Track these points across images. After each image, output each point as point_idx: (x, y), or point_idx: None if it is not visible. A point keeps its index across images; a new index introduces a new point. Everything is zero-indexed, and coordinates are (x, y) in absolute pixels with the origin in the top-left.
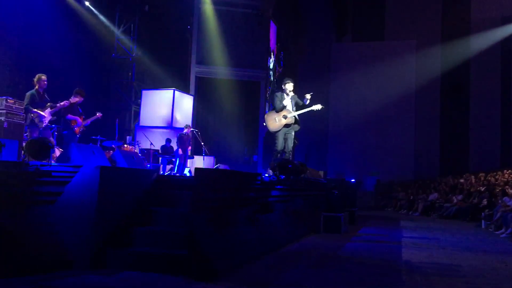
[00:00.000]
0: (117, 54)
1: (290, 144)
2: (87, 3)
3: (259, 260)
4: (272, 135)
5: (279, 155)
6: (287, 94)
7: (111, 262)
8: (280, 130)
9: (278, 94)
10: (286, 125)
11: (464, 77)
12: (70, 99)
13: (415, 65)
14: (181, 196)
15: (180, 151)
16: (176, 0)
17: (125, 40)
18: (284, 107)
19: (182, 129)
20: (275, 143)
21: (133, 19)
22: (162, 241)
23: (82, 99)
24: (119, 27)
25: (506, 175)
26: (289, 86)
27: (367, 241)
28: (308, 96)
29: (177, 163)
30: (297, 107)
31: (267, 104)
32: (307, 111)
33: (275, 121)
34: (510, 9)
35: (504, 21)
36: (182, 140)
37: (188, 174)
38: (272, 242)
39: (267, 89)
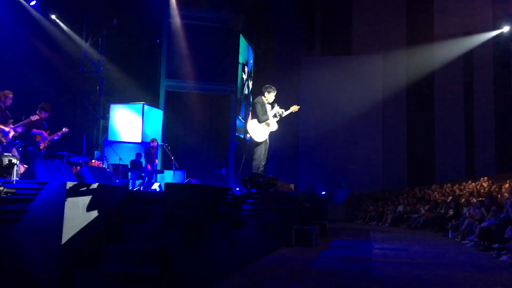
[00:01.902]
0: (85, 68)
1: (265, 155)
2: (53, 16)
3: (232, 275)
4: (252, 147)
5: (259, 168)
6: (269, 103)
7: (79, 283)
8: (264, 141)
9: (260, 101)
10: (267, 139)
11: (429, 89)
12: (37, 113)
13: (382, 78)
14: (152, 212)
15: (149, 167)
16: (145, 14)
17: (92, 54)
18: (267, 119)
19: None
20: (256, 154)
21: (101, 33)
22: (132, 259)
23: (47, 114)
24: (86, 40)
25: (471, 185)
26: (271, 96)
27: (339, 254)
28: (295, 108)
29: (149, 178)
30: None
31: (238, 118)
32: (287, 115)
33: (260, 131)
34: (471, 24)
35: (465, 35)
36: (150, 155)
37: (158, 189)
38: (245, 257)
39: (239, 103)
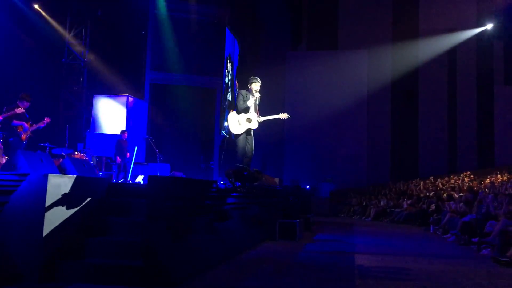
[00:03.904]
0: (68, 59)
1: (251, 148)
2: (36, 6)
3: (217, 268)
4: (233, 139)
5: (246, 159)
6: (252, 95)
7: (62, 275)
8: (241, 134)
9: (243, 92)
10: (248, 130)
11: (413, 85)
12: (19, 104)
13: (367, 73)
14: (135, 205)
15: (118, 159)
16: (130, 5)
17: (76, 44)
18: (247, 108)
19: (136, 136)
20: (236, 146)
21: (85, 24)
22: (116, 251)
23: (28, 104)
24: (70, 31)
25: (452, 180)
26: (255, 86)
27: (322, 247)
28: (285, 116)
29: (118, 171)
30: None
31: (226, 111)
32: (274, 119)
33: (238, 124)
34: (456, 21)
35: (450, 32)
36: (120, 147)
37: (142, 182)
38: (229, 250)
39: (224, 96)
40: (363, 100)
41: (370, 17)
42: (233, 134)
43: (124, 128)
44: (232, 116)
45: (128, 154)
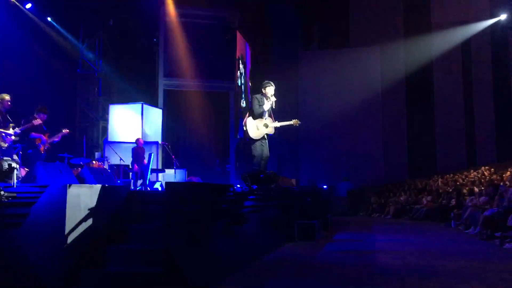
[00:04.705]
0: (82, 69)
1: (267, 151)
2: (49, 19)
3: (237, 272)
4: (248, 143)
5: (262, 162)
6: (267, 98)
7: (85, 284)
8: (259, 139)
9: (258, 96)
10: (265, 135)
11: (428, 79)
12: (36, 117)
13: (380, 70)
14: (154, 212)
15: (135, 167)
16: (141, 13)
17: (90, 55)
18: (263, 112)
19: (152, 143)
20: (253, 150)
21: (98, 34)
22: (136, 258)
23: (45, 116)
24: (83, 42)
25: (472, 175)
26: (270, 90)
27: (342, 247)
28: (296, 122)
29: (135, 179)
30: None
31: (240, 117)
32: (286, 125)
33: (256, 129)
34: (468, 13)
35: (463, 24)
36: (137, 154)
37: (159, 189)
38: (249, 253)
39: (239, 96)
40: (377, 97)
41: (381, 13)
42: (252, 139)
43: (140, 136)
44: (250, 121)
45: (145, 161)
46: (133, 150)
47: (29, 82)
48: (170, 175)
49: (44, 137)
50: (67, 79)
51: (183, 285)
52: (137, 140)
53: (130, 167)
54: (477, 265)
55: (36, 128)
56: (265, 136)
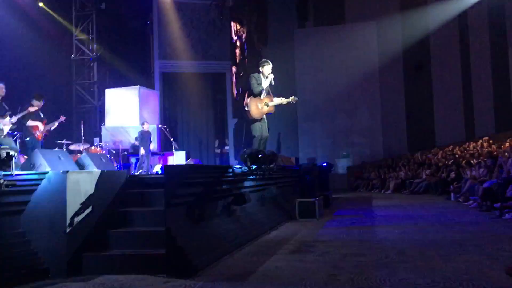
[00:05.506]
0: (77, 55)
1: (266, 131)
2: (40, 4)
3: (239, 251)
4: (249, 122)
5: (262, 142)
6: (266, 77)
7: (88, 267)
8: (259, 120)
9: (255, 75)
10: (264, 116)
11: (425, 53)
12: (32, 104)
13: (377, 45)
14: (154, 195)
15: (142, 150)
16: None
17: (84, 40)
18: (261, 91)
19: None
20: (253, 130)
21: (90, 18)
22: (138, 241)
23: (42, 103)
24: (76, 27)
25: (471, 146)
26: (267, 69)
27: (342, 223)
28: (294, 99)
29: (140, 162)
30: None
31: (240, 89)
32: (285, 104)
33: (258, 108)
34: None
35: None
36: (143, 138)
37: (159, 172)
38: (250, 233)
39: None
40: (375, 73)
41: None
42: (252, 119)
43: (138, 119)
44: (252, 99)
45: (151, 145)
46: (139, 134)
47: (25, 70)
48: (170, 158)
49: (42, 124)
50: (62, 65)
51: (185, 264)
52: (143, 123)
53: (131, 151)
54: (477, 236)
55: (33, 115)
56: (264, 118)
